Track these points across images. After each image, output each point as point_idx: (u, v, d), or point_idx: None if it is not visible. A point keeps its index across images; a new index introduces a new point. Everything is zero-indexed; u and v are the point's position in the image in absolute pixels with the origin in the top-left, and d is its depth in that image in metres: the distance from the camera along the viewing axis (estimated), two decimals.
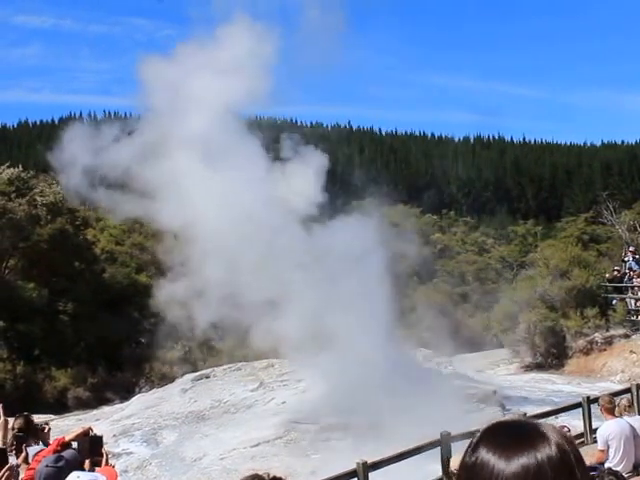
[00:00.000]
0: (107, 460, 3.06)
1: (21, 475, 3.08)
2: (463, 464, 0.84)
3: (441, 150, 41.13)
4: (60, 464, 2.63)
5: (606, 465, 5.44)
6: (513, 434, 0.83)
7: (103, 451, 3.06)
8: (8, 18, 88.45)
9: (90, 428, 3.17)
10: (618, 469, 5.23)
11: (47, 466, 2.63)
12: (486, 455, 0.82)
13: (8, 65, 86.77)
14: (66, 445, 2.97)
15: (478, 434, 0.86)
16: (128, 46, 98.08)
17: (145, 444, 10.87)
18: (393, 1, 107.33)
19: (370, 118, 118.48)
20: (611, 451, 5.43)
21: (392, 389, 11.35)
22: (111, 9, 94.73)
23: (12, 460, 3.43)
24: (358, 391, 11.29)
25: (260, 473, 1.31)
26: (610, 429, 5.46)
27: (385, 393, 11.39)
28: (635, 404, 7.46)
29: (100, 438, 3.13)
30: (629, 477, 4.77)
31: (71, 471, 2.53)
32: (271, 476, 1.31)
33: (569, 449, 0.83)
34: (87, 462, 2.89)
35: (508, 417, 0.91)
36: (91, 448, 3.01)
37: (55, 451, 2.88)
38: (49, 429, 4.11)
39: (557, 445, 0.82)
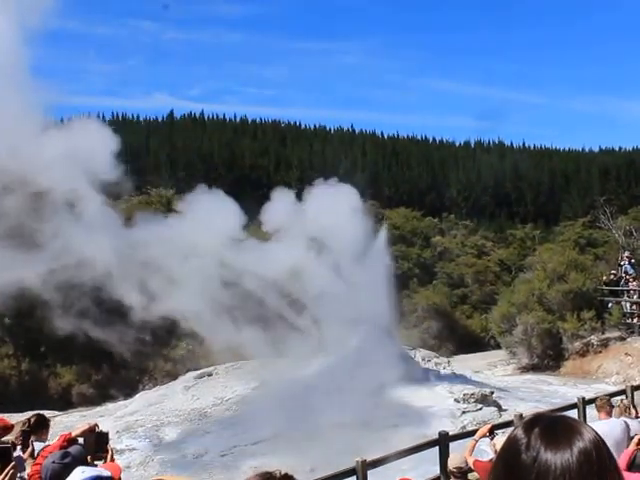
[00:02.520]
0: (112, 456, 3.11)
1: (27, 470, 3.16)
2: (519, 462, 0.85)
3: (442, 154, 41.23)
4: (66, 460, 2.65)
5: None
6: (559, 428, 0.87)
7: (108, 447, 3.11)
8: None
9: (96, 424, 3.21)
10: None
11: (54, 462, 2.65)
12: (544, 453, 0.85)
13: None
14: (72, 441, 3.02)
15: (522, 433, 0.88)
16: (133, 48, 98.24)
17: (148, 441, 10.99)
18: (395, 6, 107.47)
19: (372, 122, 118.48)
20: None
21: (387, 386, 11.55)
22: (116, 11, 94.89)
23: (18, 453, 3.47)
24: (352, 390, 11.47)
25: (271, 471, 1.32)
26: (599, 430, 5.54)
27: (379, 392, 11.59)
28: (630, 405, 7.60)
29: (106, 434, 3.18)
30: None
31: (77, 467, 2.54)
32: (282, 473, 1.31)
33: (605, 445, 0.90)
34: (89, 458, 2.93)
35: (537, 413, 0.96)
36: (97, 444, 3.07)
37: (61, 447, 2.92)
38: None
39: (593, 431, 0.90)
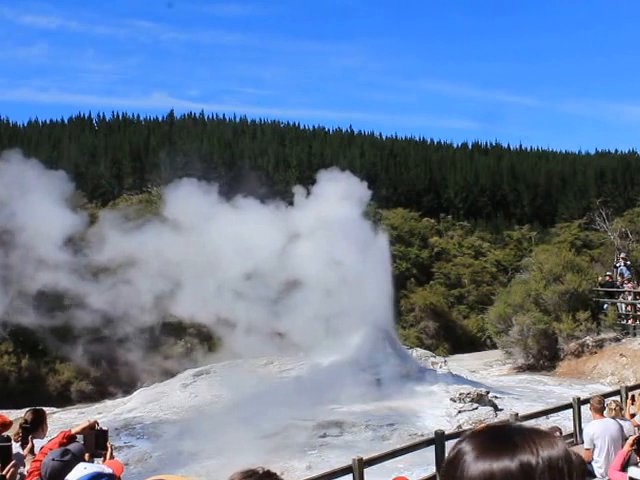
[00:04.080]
0: (112, 453, 3.11)
1: (27, 466, 3.16)
2: (447, 457, 0.85)
3: (440, 155, 41.36)
4: (66, 458, 2.65)
5: (593, 464, 5.67)
6: (497, 437, 0.81)
7: (108, 444, 3.11)
8: (15, 18, 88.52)
9: (96, 421, 3.20)
10: (603, 468, 5.46)
11: (54, 460, 2.65)
12: (463, 451, 0.81)
13: (16, 64, 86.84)
14: (72, 438, 3.01)
15: (469, 431, 0.86)
16: (133, 48, 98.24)
17: (146, 437, 11.07)
18: (395, 9, 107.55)
19: (371, 123, 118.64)
20: (596, 451, 5.54)
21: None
22: (116, 11, 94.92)
23: (17, 449, 3.47)
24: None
25: (254, 468, 1.32)
26: (595, 429, 5.58)
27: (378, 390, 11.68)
28: (624, 406, 7.68)
29: (105, 432, 3.17)
30: None
31: (77, 464, 2.54)
32: (265, 470, 1.31)
33: (559, 465, 0.77)
34: (87, 455, 2.92)
35: (500, 421, 0.87)
36: (97, 441, 3.07)
37: (61, 444, 2.91)
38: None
39: (541, 458, 0.77)
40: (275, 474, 1.34)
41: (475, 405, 11.59)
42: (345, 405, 11.06)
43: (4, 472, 2.95)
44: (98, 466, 2.49)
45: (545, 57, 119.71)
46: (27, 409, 4.08)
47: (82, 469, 2.34)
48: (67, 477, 2.36)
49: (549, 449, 0.79)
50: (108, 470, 2.41)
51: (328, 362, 12.56)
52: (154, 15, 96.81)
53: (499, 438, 0.81)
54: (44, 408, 5.24)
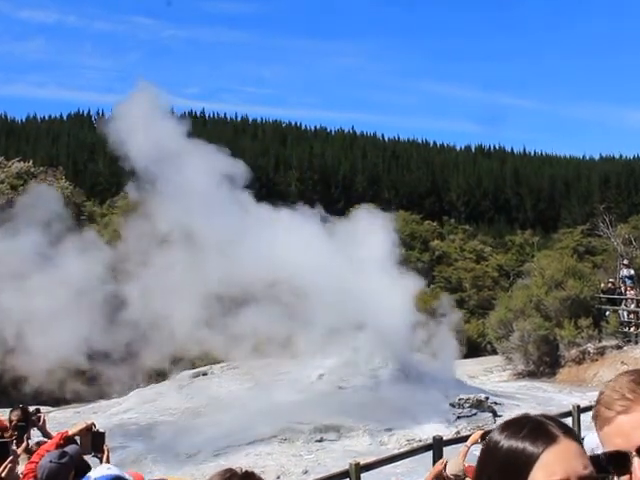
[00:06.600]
0: (108, 457, 3.08)
1: (21, 467, 3.08)
2: (484, 447, 0.97)
3: (442, 158, 41.32)
4: (64, 460, 2.64)
5: None
6: (527, 425, 0.93)
7: (105, 447, 3.08)
8: (13, 12, 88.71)
9: (93, 423, 3.17)
10: None
11: (51, 462, 2.64)
12: (497, 435, 0.94)
13: (13, 59, 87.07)
14: (69, 439, 2.99)
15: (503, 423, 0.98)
16: (132, 45, 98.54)
17: (141, 438, 10.99)
18: (396, 9, 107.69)
19: (373, 124, 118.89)
20: None
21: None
22: (115, 7, 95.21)
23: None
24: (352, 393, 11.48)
25: (233, 468, 1.33)
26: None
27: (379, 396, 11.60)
28: None
29: (103, 434, 3.13)
30: None
31: (74, 467, 2.60)
32: (243, 471, 1.32)
33: None
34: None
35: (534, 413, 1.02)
36: (93, 443, 3.03)
37: (58, 445, 2.91)
38: (44, 417, 4.01)
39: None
40: (254, 474, 1.31)
41: (474, 411, 11.49)
42: (341, 408, 10.94)
43: (1, 468, 2.86)
44: (121, 472, 2.45)
45: (549, 59, 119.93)
46: (10, 408, 3.99)
47: (105, 469, 2.34)
48: (89, 474, 2.32)
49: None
50: (129, 478, 2.39)
51: (330, 365, 12.45)
52: (154, 11, 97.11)
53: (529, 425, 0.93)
54: (41, 407, 5.14)
